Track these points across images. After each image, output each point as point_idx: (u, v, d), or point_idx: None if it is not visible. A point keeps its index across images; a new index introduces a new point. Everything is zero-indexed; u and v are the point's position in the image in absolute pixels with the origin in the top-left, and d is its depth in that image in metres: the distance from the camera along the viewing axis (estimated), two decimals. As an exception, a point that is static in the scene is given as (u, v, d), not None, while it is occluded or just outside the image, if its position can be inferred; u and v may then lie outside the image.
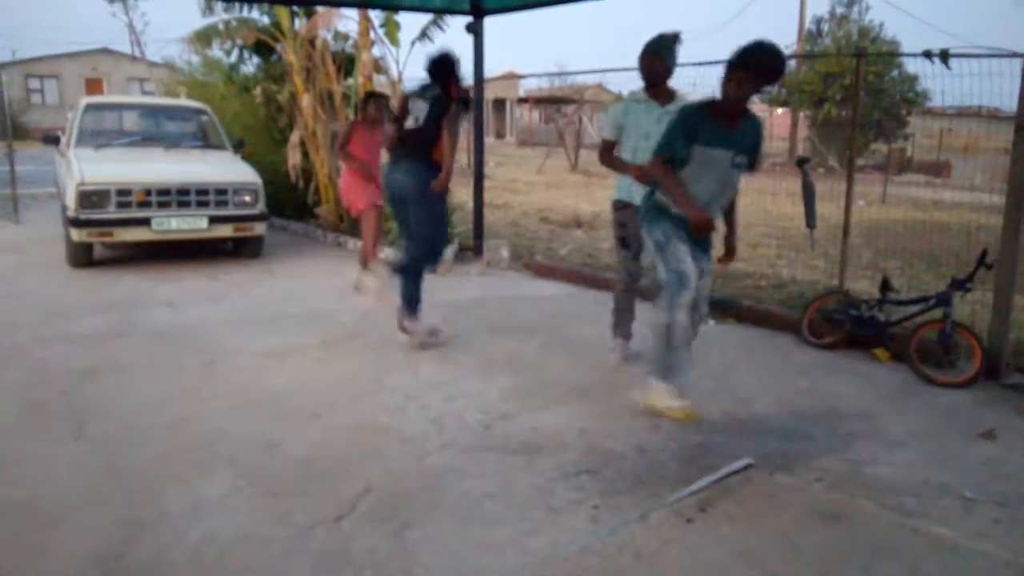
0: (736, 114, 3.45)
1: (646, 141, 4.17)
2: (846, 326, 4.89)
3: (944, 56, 4.78)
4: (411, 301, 4.84)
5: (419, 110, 4.70)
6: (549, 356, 4.73)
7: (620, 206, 4.43)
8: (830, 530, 2.75)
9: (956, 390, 4.23)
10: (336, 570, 2.45)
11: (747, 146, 3.50)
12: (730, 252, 3.89)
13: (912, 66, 19.70)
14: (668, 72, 4.21)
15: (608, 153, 4.38)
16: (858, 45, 20.78)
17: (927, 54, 4.88)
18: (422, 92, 4.78)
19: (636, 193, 4.24)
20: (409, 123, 4.73)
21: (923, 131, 19.01)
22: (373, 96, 6.46)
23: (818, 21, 24.96)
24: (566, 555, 2.55)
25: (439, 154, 4.65)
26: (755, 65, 3.30)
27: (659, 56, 4.15)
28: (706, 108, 3.47)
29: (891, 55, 19.67)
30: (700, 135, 3.41)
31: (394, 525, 2.72)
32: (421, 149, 4.65)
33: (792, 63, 22.58)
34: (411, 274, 4.82)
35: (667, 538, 2.67)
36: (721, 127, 3.44)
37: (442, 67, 4.74)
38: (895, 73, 21.06)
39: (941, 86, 5.19)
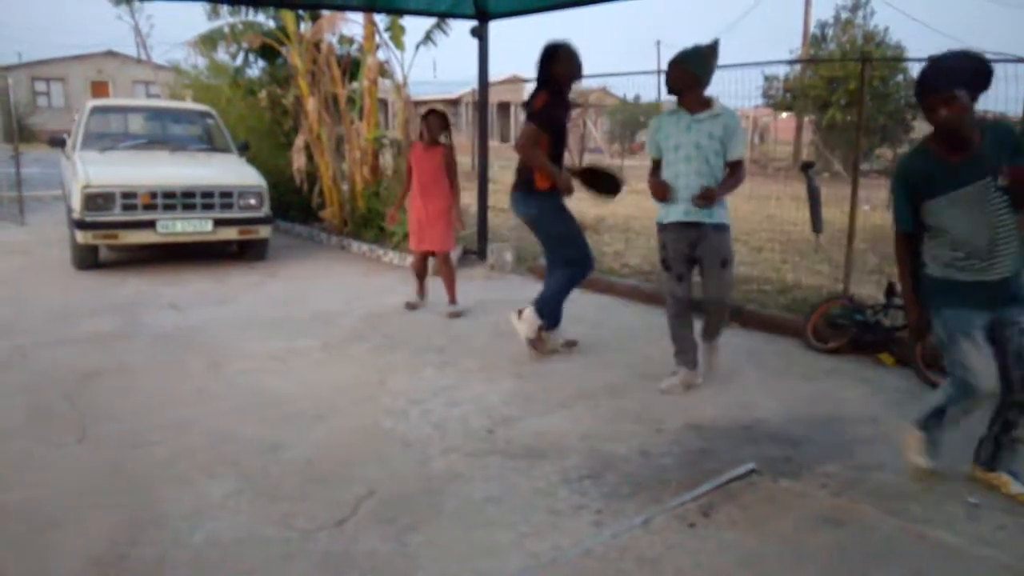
0: (965, 140, 2.81)
1: (675, 153, 4.01)
2: (851, 331, 4.87)
3: (949, 61, 4.76)
4: (555, 313, 4.72)
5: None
6: (552, 360, 4.72)
7: (660, 228, 4.16)
8: (834, 536, 2.74)
9: (961, 396, 4.21)
10: (338, 573, 2.45)
11: (999, 160, 2.79)
12: None
13: (917, 71, 19.62)
14: (692, 80, 3.98)
15: (653, 173, 4.18)
16: (863, 50, 20.75)
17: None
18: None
19: (671, 211, 4.06)
20: None
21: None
22: (431, 113, 5.80)
23: (823, 25, 24.93)
24: (568, 559, 2.55)
25: (542, 179, 4.39)
26: (962, 78, 2.75)
27: (679, 65, 3.99)
28: (927, 151, 2.91)
29: (896, 60, 19.63)
30: (929, 188, 2.87)
31: (396, 528, 2.71)
32: (520, 173, 4.47)
33: (796, 67, 22.57)
34: (564, 287, 4.67)
35: (670, 543, 2.66)
36: (953, 161, 2.84)
37: (540, 62, 4.39)
38: (900, 78, 21.01)
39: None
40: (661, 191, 4.03)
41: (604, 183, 4.55)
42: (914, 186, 2.91)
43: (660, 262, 4.24)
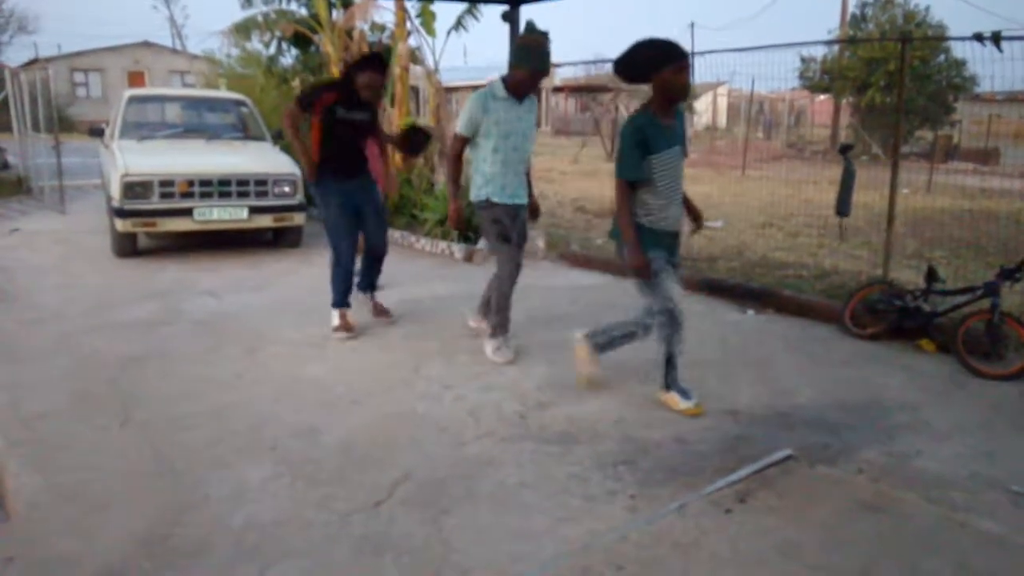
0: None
1: (505, 140, 4.22)
2: (890, 317, 4.78)
3: (996, 39, 4.64)
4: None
5: None
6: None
7: (489, 205, 4.34)
8: (873, 523, 2.71)
9: (1004, 382, 4.13)
10: (375, 555, 2.48)
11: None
12: None
13: (960, 51, 19.12)
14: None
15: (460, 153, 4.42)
16: (903, 29, 20.25)
17: (978, 37, 4.74)
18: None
19: (502, 193, 4.30)
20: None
21: (971, 117, 18.47)
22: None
23: (863, 5, 24.36)
24: (603, 544, 2.55)
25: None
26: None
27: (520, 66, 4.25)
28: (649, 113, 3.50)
29: (938, 39, 19.13)
30: (654, 144, 3.45)
31: (432, 512, 2.74)
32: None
33: (834, 49, 22.12)
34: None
35: (705, 528, 2.65)
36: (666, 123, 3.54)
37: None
38: (942, 58, 20.50)
39: (990, 71, 5.04)
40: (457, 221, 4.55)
41: (415, 141, 5.15)
42: (643, 142, 3.42)
43: (498, 236, 4.41)
